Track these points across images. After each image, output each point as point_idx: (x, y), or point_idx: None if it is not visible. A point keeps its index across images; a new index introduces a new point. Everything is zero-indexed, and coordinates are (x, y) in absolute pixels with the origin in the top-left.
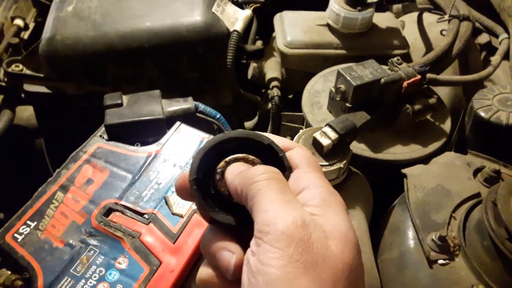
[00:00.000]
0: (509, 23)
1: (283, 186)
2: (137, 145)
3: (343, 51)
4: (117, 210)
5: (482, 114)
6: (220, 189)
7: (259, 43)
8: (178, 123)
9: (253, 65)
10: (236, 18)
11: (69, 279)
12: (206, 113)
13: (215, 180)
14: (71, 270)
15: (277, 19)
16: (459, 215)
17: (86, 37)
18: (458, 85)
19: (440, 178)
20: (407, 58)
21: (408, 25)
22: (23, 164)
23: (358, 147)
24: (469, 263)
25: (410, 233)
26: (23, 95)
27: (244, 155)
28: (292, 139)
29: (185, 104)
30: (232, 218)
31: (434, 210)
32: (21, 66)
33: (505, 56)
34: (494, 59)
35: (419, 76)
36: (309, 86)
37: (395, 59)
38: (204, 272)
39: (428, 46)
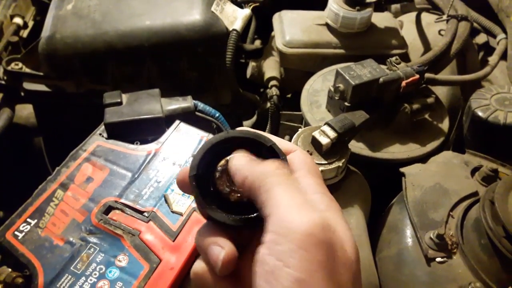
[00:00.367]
0: (506, 23)
1: (298, 185)
2: (136, 143)
3: (341, 51)
4: (117, 208)
5: (480, 113)
6: (219, 187)
7: (257, 43)
8: (177, 121)
9: (252, 64)
10: (235, 17)
11: (70, 276)
12: (205, 112)
13: (214, 177)
14: (71, 268)
15: (276, 18)
16: (457, 213)
17: (85, 36)
18: (456, 84)
19: (438, 177)
20: (405, 57)
21: (407, 25)
22: (22, 162)
23: (356, 146)
24: (466, 261)
25: (408, 231)
26: (22, 94)
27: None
28: (291, 138)
29: (185, 103)
30: (228, 217)
31: (432, 208)
32: (20, 65)
33: (503, 56)
34: (492, 59)
35: (417, 76)
36: (308, 85)
37: (393, 58)
38: (198, 266)
39: (427, 46)
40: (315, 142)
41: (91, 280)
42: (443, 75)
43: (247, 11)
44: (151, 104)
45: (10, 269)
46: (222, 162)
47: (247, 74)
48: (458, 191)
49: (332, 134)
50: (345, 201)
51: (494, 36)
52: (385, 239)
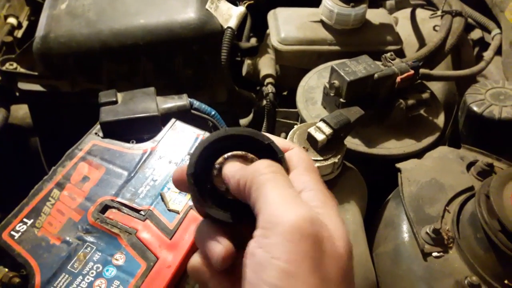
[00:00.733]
0: (501, 18)
1: (288, 182)
2: (132, 142)
3: (336, 47)
4: (113, 207)
5: (475, 108)
6: (216, 184)
7: (253, 40)
8: (173, 120)
9: (247, 62)
10: (229, 15)
11: (67, 275)
12: (201, 110)
13: (212, 175)
14: (68, 267)
15: (271, 15)
16: (452, 208)
17: (80, 35)
18: (451, 80)
19: (433, 172)
20: (400, 53)
21: (402, 21)
22: (19, 162)
23: (352, 142)
24: (462, 255)
25: (405, 227)
26: (17, 94)
27: (243, 152)
28: (287, 135)
29: (180, 101)
30: (226, 214)
31: (428, 203)
32: (15, 65)
33: (498, 52)
34: (487, 55)
35: (412, 71)
36: (304, 82)
37: (388, 54)
38: (195, 259)
39: (421, 42)
40: (310, 139)
41: (88, 279)
42: (438, 70)
43: (241, 9)
44: (146, 102)
45: (6, 269)
46: (220, 160)
47: (242, 72)
48: (454, 186)
49: (328, 130)
50: (341, 197)
51: (489, 32)
52: (381, 235)
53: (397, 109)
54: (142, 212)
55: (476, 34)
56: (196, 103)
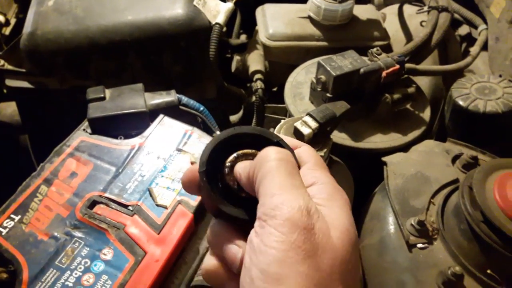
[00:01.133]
0: (487, 14)
1: (292, 169)
2: (120, 138)
3: (324, 43)
4: (102, 203)
5: (461, 102)
6: (228, 182)
7: (243, 37)
8: (161, 115)
9: (236, 58)
10: (218, 11)
11: (54, 271)
12: (189, 106)
13: (224, 173)
14: (56, 262)
15: (259, 12)
16: (437, 200)
17: (67, 32)
18: (437, 74)
19: (419, 165)
20: (388, 49)
21: (389, 17)
22: (8, 160)
23: (339, 137)
24: (447, 246)
25: (390, 219)
26: (5, 91)
27: (254, 150)
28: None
29: (168, 97)
30: (239, 211)
31: (413, 196)
32: (2, 62)
33: (484, 47)
34: (473, 50)
35: (397, 66)
36: (291, 78)
37: (374, 49)
38: (211, 262)
39: (409, 37)
40: (297, 133)
41: (76, 274)
42: (425, 65)
43: (229, 5)
44: (134, 98)
45: None
46: (231, 158)
47: (232, 68)
48: (439, 179)
49: (314, 125)
50: None
51: (476, 27)
52: (367, 227)
53: (383, 104)
54: (130, 207)
55: (463, 30)
56: (185, 99)
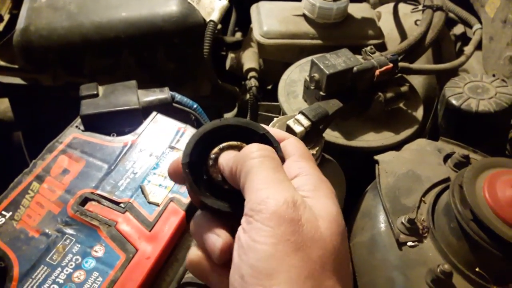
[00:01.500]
0: (481, 13)
1: (276, 165)
2: (113, 135)
3: (319, 41)
4: (93, 200)
5: (453, 101)
6: (212, 174)
7: (238, 35)
8: (154, 113)
9: (230, 56)
10: (212, 9)
11: (45, 267)
12: (182, 103)
13: (208, 165)
14: (47, 259)
15: (254, 9)
16: (428, 199)
17: (61, 28)
18: (431, 73)
19: (411, 164)
20: (382, 48)
21: (384, 15)
22: (1, 157)
23: (331, 135)
24: (436, 245)
25: (381, 217)
26: None
27: (239, 143)
28: None
29: (162, 94)
30: (222, 203)
31: (404, 194)
32: None
33: (479, 46)
34: (467, 49)
35: (391, 65)
36: (285, 76)
37: (368, 48)
38: (194, 253)
39: (403, 36)
40: (289, 131)
41: (67, 270)
42: (418, 64)
43: (224, 2)
44: (127, 95)
45: None
46: (215, 150)
47: (226, 65)
48: (431, 177)
49: (306, 123)
50: None
51: (470, 27)
52: (358, 225)
53: (376, 102)
54: (122, 205)
55: (458, 29)
56: (178, 96)
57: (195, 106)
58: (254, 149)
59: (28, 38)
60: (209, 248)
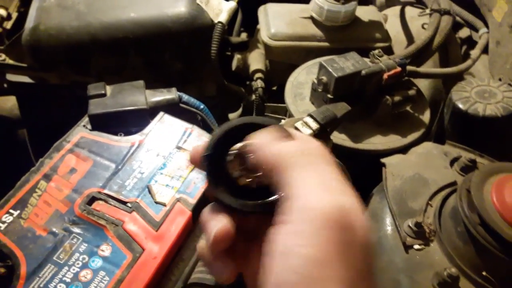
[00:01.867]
0: (488, 17)
1: (318, 168)
2: (120, 135)
3: (326, 44)
4: (100, 199)
5: (460, 105)
6: (230, 170)
7: (243, 35)
8: (161, 113)
9: (237, 57)
10: (220, 10)
11: (52, 266)
12: (189, 104)
13: (227, 161)
14: (54, 258)
15: (261, 11)
16: (435, 202)
17: (70, 27)
18: (438, 77)
19: (417, 167)
20: (389, 51)
21: (391, 18)
22: (5, 154)
23: (339, 138)
24: (443, 248)
25: (388, 220)
26: (5, 85)
27: None
28: None
29: (169, 94)
30: (234, 200)
31: (411, 197)
32: (3, 56)
33: (485, 50)
34: (474, 53)
35: (399, 69)
36: (292, 78)
37: (376, 51)
38: (201, 242)
39: (410, 40)
40: None
41: (73, 269)
42: (425, 68)
43: (232, 4)
44: (135, 95)
45: None
46: (237, 145)
47: (232, 66)
48: (437, 181)
49: (315, 126)
50: None
51: (477, 30)
52: None
53: (384, 105)
54: (128, 204)
55: (464, 32)
56: (185, 97)
57: (201, 106)
58: (295, 147)
59: (37, 37)
60: (206, 235)
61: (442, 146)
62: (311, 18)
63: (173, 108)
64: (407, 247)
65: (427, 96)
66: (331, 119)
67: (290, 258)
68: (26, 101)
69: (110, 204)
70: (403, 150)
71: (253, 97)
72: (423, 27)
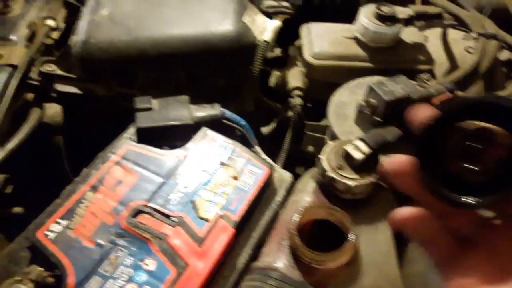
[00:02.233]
0: None
1: None
2: (165, 148)
3: (369, 64)
4: (146, 212)
5: None
6: (451, 167)
7: (278, 51)
8: (204, 128)
9: (276, 73)
10: (264, 28)
11: (99, 278)
12: (231, 120)
13: (448, 148)
14: (100, 270)
15: (304, 30)
16: None
17: (119, 42)
18: None
19: None
20: (430, 73)
21: (431, 40)
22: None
23: None
24: None
25: None
26: (53, 95)
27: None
28: (315, 148)
29: (212, 110)
30: (459, 198)
31: None
32: (54, 67)
33: None
34: None
35: (450, 94)
36: (335, 98)
37: (424, 75)
38: (408, 209)
39: (452, 62)
40: (348, 157)
41: (119, 283)
42: (471, 92)
43: (277, 23)
44: (180, 110)
45: (40, 268)
46: (470, 127)
47: (270, 82)
48: None
49: (367, 150)
50: (373, 216)
51: None
52: (412, 255)
53: None
54: (173, 218)
55: (504, 55)
56: (228, 113)
57: (242, 122)
58: None
59: (88, 50)
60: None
61: None
62: (355, 38)
63: (214, 124)
64: None
65: None
66: (383, 144)
67: None
68: (72, 111)
69: (155, 218)
70: None
71: (290, 113)
72: (467, 51)
